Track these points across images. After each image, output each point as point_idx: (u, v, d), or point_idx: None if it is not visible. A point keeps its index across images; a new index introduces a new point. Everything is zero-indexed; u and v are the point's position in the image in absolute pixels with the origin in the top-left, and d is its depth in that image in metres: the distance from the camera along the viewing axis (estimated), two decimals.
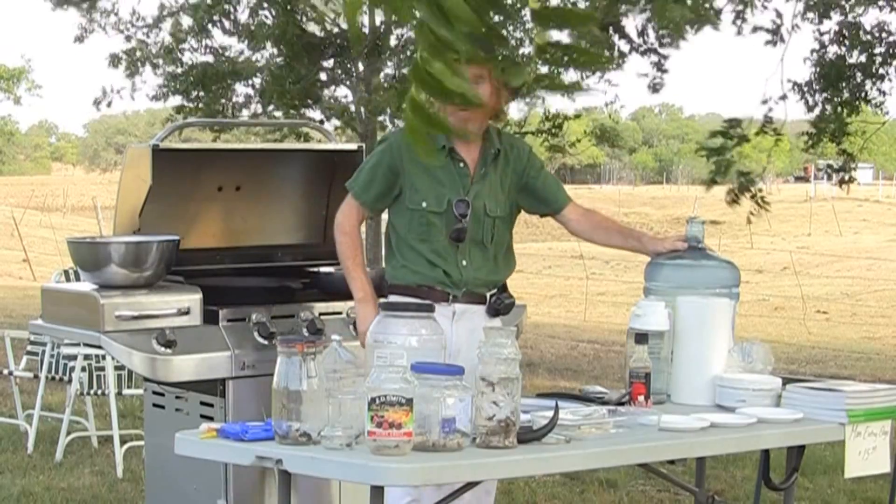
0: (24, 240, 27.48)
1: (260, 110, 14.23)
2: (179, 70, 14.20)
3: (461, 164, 4.20)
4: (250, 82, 14.37)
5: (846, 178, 11.12)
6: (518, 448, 3.14)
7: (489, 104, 4.13)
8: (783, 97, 10.73)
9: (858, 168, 11.95)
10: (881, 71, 10.66)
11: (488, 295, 4.25)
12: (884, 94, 10.82)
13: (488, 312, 4.22)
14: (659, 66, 11.83)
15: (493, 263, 4.26)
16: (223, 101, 14.34)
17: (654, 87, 12.23)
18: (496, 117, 4.30)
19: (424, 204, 4.15)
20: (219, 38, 14.48)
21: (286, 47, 13.44)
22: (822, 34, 10.82)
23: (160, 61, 14.32)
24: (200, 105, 14.07)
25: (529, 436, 3.19)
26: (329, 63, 14.18)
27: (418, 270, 4.16)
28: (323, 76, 14.31)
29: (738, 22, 10.64)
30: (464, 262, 4.18)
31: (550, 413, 3.25)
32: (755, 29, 10.64)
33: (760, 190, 10.96)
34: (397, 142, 4.22)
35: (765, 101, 10.76)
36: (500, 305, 4.23)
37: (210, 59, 14.30)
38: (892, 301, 21.55)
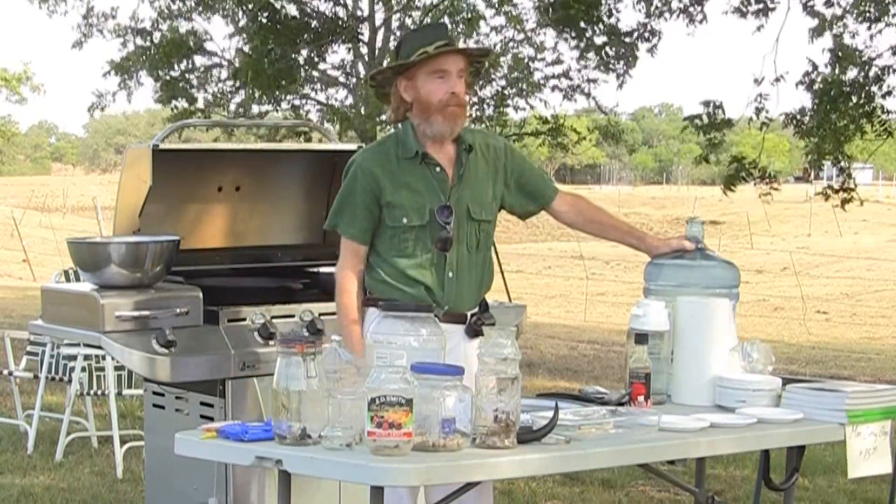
0: (24, 240, 27.51)
1: (242, 97, 14.28)
2: (147, 43, 14.28)
3: (437, 169, 3.98)
4: (221, 60, 14.44)
5: (847, 198, 11.03)
6: (518, 448, 3.14)
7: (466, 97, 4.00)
8: (778, 79, 10.64)
9: (857, 170, 11.85)
10: (883, 88, 10.52)
11: (469, 314, 4.05)
12: (888, 111, 10.70)
13: (467, 333, 4.02)
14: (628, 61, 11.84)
15: (478, 272, 4.06)
16: (195, 80, 14.37)
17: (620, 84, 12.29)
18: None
19: (405, 220, 3.94)
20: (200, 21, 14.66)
21: (258, 27, 13.45)
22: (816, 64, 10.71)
23: (127, 34, 14.47)
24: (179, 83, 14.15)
25: (529, 436, 3.18)
26: (307, 43, 14.19)
27: (399, 286, 3.96)
28: (304, 60, 14.34)
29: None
30: (450, 274, 3.98)
31: (550, 413, 3.25)
32: (741, 12, 10.59)
33: (772, 177, 10.86)
34: (366, 161, 4.01)
35: (758, 82, 10.68)
36: (479, 326, 4.00)
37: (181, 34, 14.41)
38: (892, 301, 21.57)
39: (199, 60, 14.59)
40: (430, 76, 3.94)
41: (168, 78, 14.20)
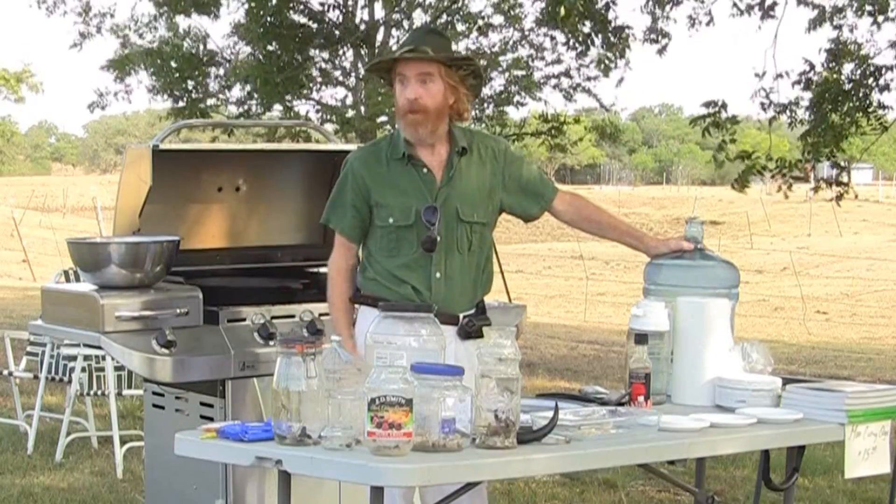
0: (24, 240, 27.51)
1: (250, 102, 14.26)
2: (154, 46, 14.23)
3: (424, 171, 4.00)
4: (228, 69, 14.41)
5: (841, 193, 11.00)
6: (518, 448, 3.14)
7: (442, 103, 3.95)
8: (780, 76, 10.64)
9: (857, 170, 11.85)
10: (880, 82, 10.51)
11: (461, 316, 4.04)
12: (884, 107, 10.68)
13: (459, 334, 4.01)
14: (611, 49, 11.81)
15: (471, 274, 4.05)
16: (203, 89, 14.34)
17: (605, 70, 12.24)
18: (459, 117, 4.05)
19: (391, 220, 3.97)
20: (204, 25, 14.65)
21: (262, 33, 13.43)
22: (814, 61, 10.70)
23: (133, 33, 14.44)
24: (191, 96, 14.10)
25: (529, 436, 3.18)
26: (318, 53, 14.17)
27: (387, 286, 3.98)
28: (316, 70, 14.33)
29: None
30: (437, 275, 3.98)
31: (550, 413, 3.25)
32: (748, 8, 10.59)
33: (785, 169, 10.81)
34: (357, 160, 4.06)
35: (760, 76, 10.67)
36: (472, 328, 3.99)
37: (186, 42, 14.37)
38: (892, 301, 21.57)
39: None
40: (396, 81, 3.99)
41: (184, 96, 14.15)
